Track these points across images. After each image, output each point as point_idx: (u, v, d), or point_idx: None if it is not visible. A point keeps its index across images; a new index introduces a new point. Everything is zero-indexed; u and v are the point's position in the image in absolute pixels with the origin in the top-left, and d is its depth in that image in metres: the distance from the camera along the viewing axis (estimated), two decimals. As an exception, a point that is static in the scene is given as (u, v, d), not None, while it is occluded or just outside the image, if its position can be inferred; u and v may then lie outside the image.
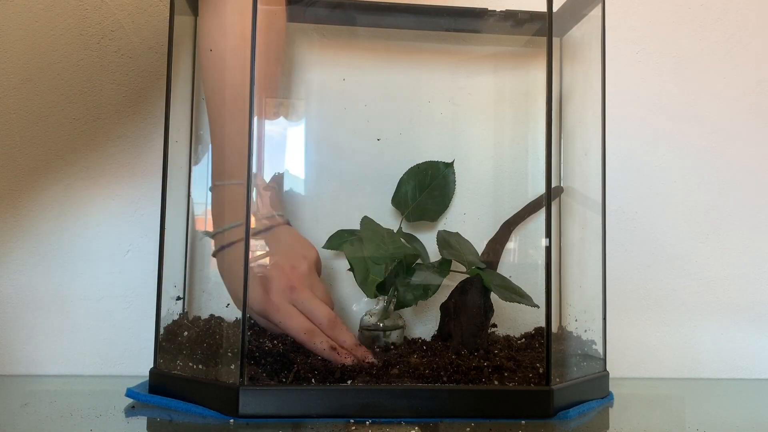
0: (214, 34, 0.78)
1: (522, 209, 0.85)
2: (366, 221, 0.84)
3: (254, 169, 0.69)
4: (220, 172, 0.76)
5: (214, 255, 0.76)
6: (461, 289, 0.78)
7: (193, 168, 0.85)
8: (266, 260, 0.74)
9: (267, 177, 0.85)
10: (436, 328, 0.83)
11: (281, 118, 0.87)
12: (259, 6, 0.66)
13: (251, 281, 0.69)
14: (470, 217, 0.91)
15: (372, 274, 0.78)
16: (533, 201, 0.85)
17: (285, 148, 0.89)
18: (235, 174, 0.73)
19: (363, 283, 0.78)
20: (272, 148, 0.87)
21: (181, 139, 0.82)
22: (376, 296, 0.79)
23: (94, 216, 0.87)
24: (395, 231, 0.85)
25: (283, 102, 0.87)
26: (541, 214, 0.78)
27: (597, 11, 0.81)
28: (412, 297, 0.78)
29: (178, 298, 0.83)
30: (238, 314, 0.65)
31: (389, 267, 0.78)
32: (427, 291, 0.78)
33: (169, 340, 0.76)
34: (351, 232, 0.84)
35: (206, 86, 0.80)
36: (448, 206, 0.90)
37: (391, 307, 0.80)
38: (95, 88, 0.88)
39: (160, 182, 0.75)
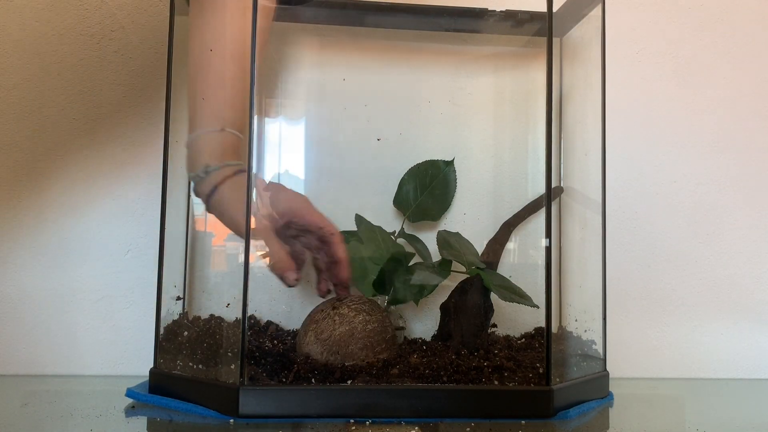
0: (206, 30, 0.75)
1: (522, 209, 0.85)
2: (359, 220, 0.84)
3: (254, 169, 0.69)
4: (198, 123, 0.73)
5: (200, 195, 0.72)
6: (461, 289, 0.78)
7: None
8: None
9: (267, 177, 0.85)
10: (436, 328, 0.83)
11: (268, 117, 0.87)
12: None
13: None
14: (470, 217, 0.91)
15: (371, 273, 0.78)
16: (533, 201, 0.85)
17: (285, 149, 0.89)
18: (212, 123, 0.73)
19: (359, 282, 0.78)
20: (272, 148, 0.87)
21: (181, 139, 0.82)
22: (374, 295, 0.79)
23: (94, 216, 0.87)
24: (397, 231, 0.85)
25: (271, 102, 0.87)
26: (541, 214, 0.78)
27: (597, 11, 0.81)
28: (407, 294, 0.77)
29: (178, 298, 0.83)
30: (239, 314, 0.65)
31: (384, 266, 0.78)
32: (422, 289, 0.77)
33: (169, 340, 0.76)
34: (352, 233, 0.84)
35: (190, 48, 0.76)
36: (449, 205, 0.90)
37: (391, 307, 0.80)
38: (95, 88, 0.88)
39: (160, 182, 0.75)
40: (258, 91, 0.78)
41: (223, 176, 0.71)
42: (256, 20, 0.66)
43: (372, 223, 0.85)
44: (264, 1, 0.78)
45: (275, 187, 0.75)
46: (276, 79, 0.89)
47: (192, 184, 0.75)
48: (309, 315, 0.74)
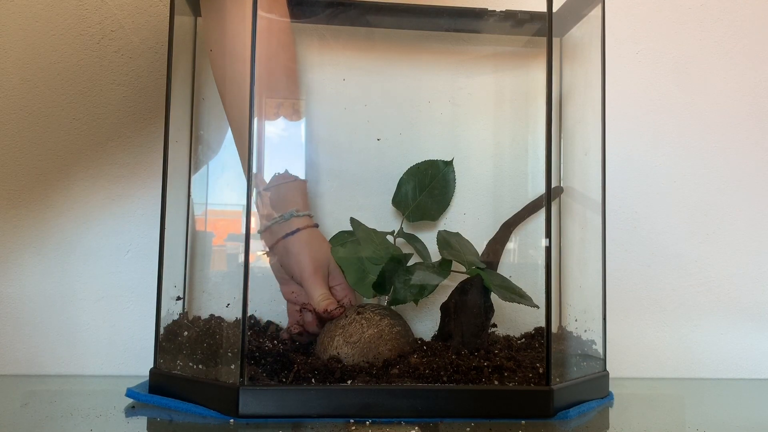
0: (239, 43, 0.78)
1: (522, 209, 0.85)
2: (355, 223, 0.84)
3: (254, 170, 0.69)
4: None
5: (276, 235, 0.79)
6: (461, 290, 0.78)
7: (193, 168, 0.85)
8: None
9: (267, 177, 0.85)
10: (436, 328, 0.83)
11: (281, 119, 0.87)
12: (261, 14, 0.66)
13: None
14: (470, 217, 0.91)
15: (370, 274, 0.78)
16: (533, 201, 0.85)
17: (285, 149, 0.89)
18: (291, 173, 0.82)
19: (357, 283, 0.78)
20: (272, 149, 0.87)
21: (181, 139, 0.82)
22: (374, 296, 0.79)
23: (94, 216, 0.87)
24: (396, 231, 0.85)
25: (283, 103, 0.87)
26: (541, 214, 0.78)
27: (597, 11, 0.81)
28: (407, 294, 0.77)
29: (178, 298, 0.83)
30: (239, 314, 0.65)
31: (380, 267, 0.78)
32: (422, 290, 0.77)
33: (169, 340, 0.76)
34: (352, 233, 0.84)
35: (230, 95, 0.80)
36: (448, 205, 0.90)
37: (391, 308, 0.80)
38: (95, 88, 0.88)
39: (160, 182, 0.75)
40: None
41: (305, 223, 0.79)
42: (256, 22, 0.66)
43: (368, 224, 0.85)
44: (273, 17, 0.80)
45: (286, 247, 0.79)
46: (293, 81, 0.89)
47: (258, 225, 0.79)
48: (332, 322, 0.75)
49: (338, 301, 0.78)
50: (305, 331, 0.78)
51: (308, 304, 0.77)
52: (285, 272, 0.80)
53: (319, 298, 0.76)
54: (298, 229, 0.78)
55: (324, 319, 0.76)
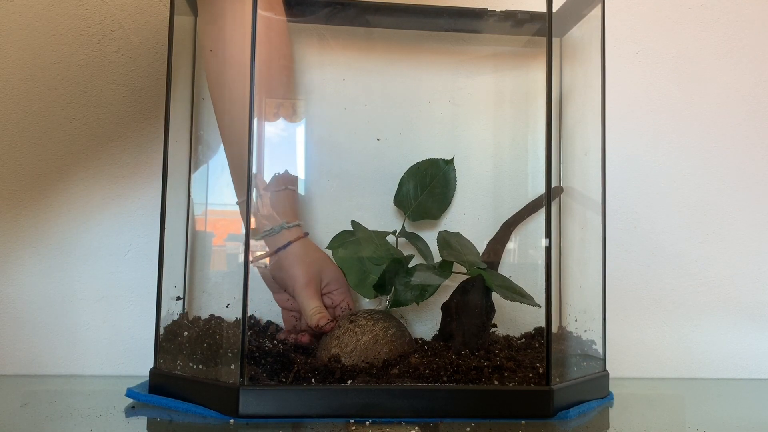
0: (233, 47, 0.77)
1: (522, 209, 0.85)
2: (355, 225, 0.84)
3: (254, 170, 0.69)
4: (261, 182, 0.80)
5: (270, 247, 0.78)
6: (463, 289, 0.78)
7: (193, 168, 0.85)
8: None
9: (267, 177, 0.85)
10: (437, 328, 0.83)
11: (281, 119, 0.87)
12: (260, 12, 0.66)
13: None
14: (470, 217, 0.91)
15: (371, 274, 0.78)
16: (533, 201, 0.85)
17: (285, 149, 0.89)
18: (281, 181, 0.81)
19: (358, 285, 0.78)
20: (272, 149, 0.87)
21: (181, 139, 0.82)
22: (375, 296, 0.79)
23: (94, 216, 0.87)
24: (398, 231, 0.85)
25: (283, 103, 0.87)
26: (541, 214, 0.78)
27: (597, 11, 0.81)
28: (408, 296, 0.77)
29: (178, 298, 0.83)
30: (239, 314, 0.65)
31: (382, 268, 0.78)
32: (424, 292, 0.77)
33: (169, 340, 0.76)
34: (353, 233, 0.84)
35: (227, 96, 0.79)
36: (450, 204, 0.90)
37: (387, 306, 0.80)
38: (95, 88, 0.88)
39: (160, 182, 0.75)
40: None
41: (296, 235, 0.78)
42: (256, 25, 0.66)
43: (368, 224, 0.85)
44: (272, 15, 0.79)
45: (278, 261, 0.78)
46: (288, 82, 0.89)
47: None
48: (327, 334, 0.74)
49: (332, 311, 0.77)
50: (302, 343, 0.78)
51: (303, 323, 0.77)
52: (278, 284, 0.80)
53: (311, 312, 0.76)
54: (289, 243, 0.77)
55: (317, 333, 0.76)
